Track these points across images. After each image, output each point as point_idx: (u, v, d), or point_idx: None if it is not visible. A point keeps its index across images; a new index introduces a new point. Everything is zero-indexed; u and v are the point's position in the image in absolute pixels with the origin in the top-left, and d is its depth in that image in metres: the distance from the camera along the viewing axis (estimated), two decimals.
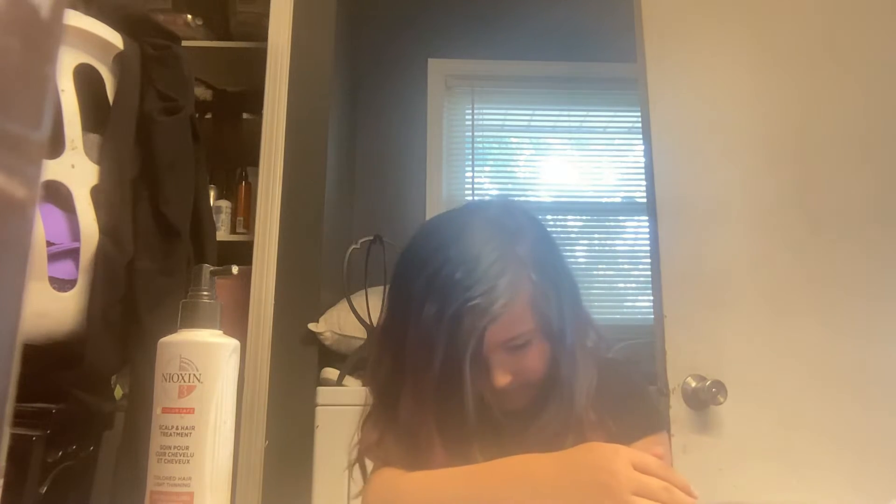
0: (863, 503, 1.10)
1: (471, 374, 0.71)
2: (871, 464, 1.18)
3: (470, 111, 2.41)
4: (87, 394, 0.98)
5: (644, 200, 1.37)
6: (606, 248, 2.38)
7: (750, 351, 1.24)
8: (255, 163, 1.57)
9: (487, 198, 2.33)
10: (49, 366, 0.93)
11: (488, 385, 0.74)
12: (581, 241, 2.38)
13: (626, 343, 1.55)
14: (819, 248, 1.30)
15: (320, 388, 1.59)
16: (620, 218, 2.37)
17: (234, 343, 0.58)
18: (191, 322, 0.57)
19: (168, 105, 1.12)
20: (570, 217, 2.38)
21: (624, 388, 0.83)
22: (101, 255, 0.97)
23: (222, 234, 1.63)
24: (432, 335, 0.69)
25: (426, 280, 0.71)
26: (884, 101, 1.36)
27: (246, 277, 1.48)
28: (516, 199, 2.38)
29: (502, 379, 0.73)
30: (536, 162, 2.42)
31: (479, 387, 0.74)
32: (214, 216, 1.46)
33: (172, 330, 0.58)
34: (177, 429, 0.54)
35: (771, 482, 1.16)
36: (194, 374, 0.55)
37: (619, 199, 2.39)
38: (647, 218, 1.33)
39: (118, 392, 1.15)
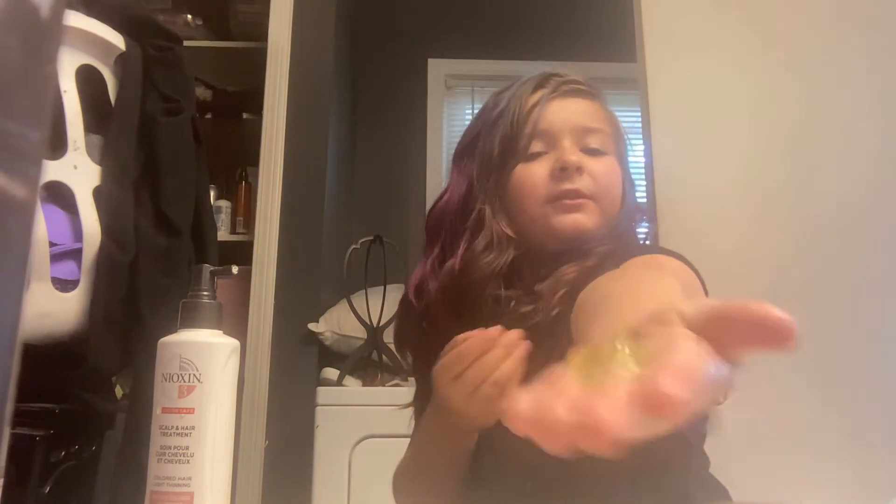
0: (863, 503, 1.10)
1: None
2: (871, 464, 1.18)
3: (470, 111, 2.41)
4: (90, 394, 0.99)
5: (644, 200, 1.37)
6: None
7: None
8: (255, 163, 1.57)
9: None
10: (51, 366, 0.93)
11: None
12: None
13: None
14: (820, 246, 1.30)
15: (320, 388, 1.59)
16: None
17: (234, 343, 0.58)
18: (191, 322, 0.57)
19: (170, 106, 1.12)
20: None
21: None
22: (104, 256, 0.97)
23: (222, 234, 1.63)
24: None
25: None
26: (886, 98, 1.36)
27: (246, 277, 1.48)
28: None
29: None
30: None
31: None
32: (214, 216, 1.46)
33: (173, 330, 0.58)
34: (177, 429, 0.54)
35: (771, 482, 1.16)
36: (194, 374, 0.55)
37: None
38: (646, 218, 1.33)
39: (118, 392, 1.15)
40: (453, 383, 0.63)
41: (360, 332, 1.66)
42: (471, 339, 0.63)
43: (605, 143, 0.78)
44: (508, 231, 0.76)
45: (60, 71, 0.87)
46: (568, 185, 0.73)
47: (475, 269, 0.75)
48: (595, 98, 0.81)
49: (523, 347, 0.63)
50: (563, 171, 0.74)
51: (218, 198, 1.70)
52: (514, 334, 0.63)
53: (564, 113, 0.77)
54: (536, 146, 0.76)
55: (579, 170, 0.74)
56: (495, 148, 0.77)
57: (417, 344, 0.83)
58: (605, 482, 0.66)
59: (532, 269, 0.77)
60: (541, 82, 0.80)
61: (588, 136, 0.77)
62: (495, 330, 0.63)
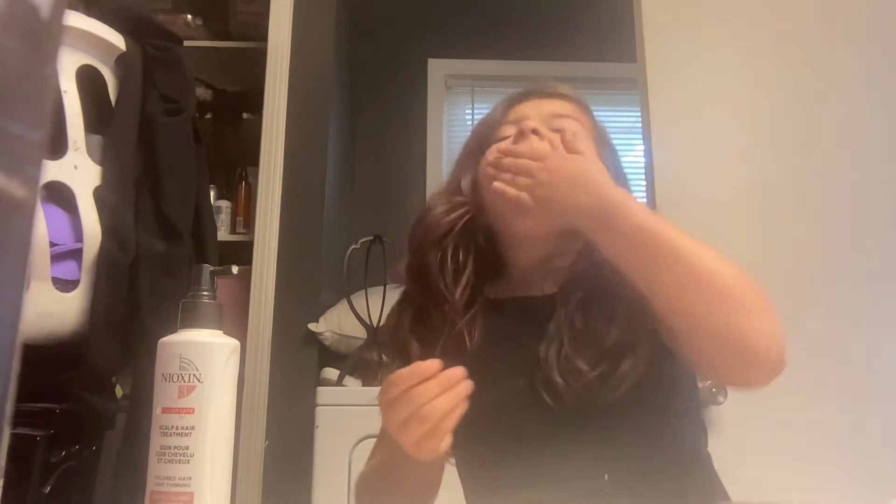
0: (863, 503, 1.10)
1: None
2: (871, 464, 1.18)
3: (470, 111, 2.41)
4: (90, 394, 0.99)
5: (644, 200, 1.37)
6: None
7: None
8: (255, 163, 1.57)
9: None
10: (52, 366, 0.93)
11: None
12: None
13: None
14: (820, 246, 1.30)
15: (320, 388, 1.59)
16: None
17: (234, 343, 0.58)
18: (191, 322, 0.57)
19: (170, 106, 1.12)
20: None
21: None
22: (104, 256, 0.97)
23: (222, 234, 1.63)
24: None
25: None
26: (885, 97, 1.36)
27: (246, 277, 1.48)
28: None
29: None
30: None
31: None
32: (214, 216, 1.46)
33: (173, 330, 0.58)
34: (177, 429, 0.54)
35: (771, 482, 1.16)
36: (194, 374, 0.55)
37: None
38: None
39: (118, 392, 1.15)
40: (387, 408, 0.60)
41: (360, 332, 1.66)
42: (405, 369, 0.59)
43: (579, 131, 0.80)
44: (465, 195, 0.79)
45: (60, 71, 0.87)
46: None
47: (428, 222, 0.78)
48: (574, 102, 0.83)
49: (464, 387, 0.59)
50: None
51: (218, 198, 1.70)
52: (457, 372, 0.59)
53: (537, 107, 0.81)
54: (508, 131, 0.80)
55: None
56: (474, 144, 0.83)
57: (395, 327, 0.82)
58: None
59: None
60: (520, 92, 0.85)
61: (558, 121, 0.78)
62: (432, 363, 0.59)
